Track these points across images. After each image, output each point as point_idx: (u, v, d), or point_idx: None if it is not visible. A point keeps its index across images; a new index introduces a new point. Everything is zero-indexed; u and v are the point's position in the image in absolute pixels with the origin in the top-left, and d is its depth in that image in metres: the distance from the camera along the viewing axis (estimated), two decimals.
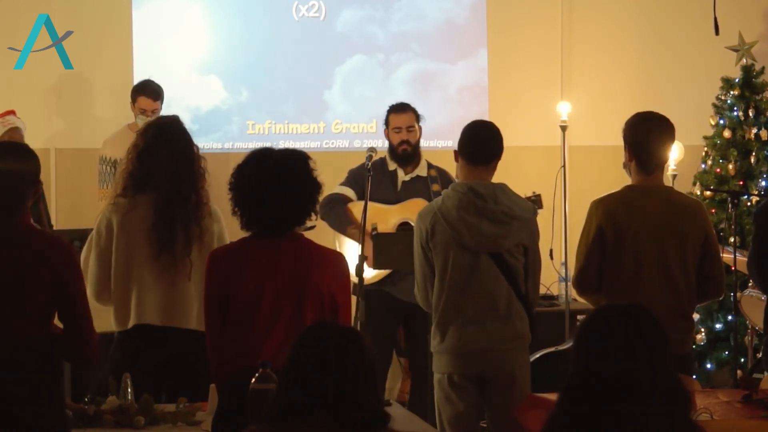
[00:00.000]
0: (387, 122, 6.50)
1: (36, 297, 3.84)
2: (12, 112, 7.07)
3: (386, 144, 7.12)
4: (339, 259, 4.03)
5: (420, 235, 4.85)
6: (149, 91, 7.17)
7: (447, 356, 4.80)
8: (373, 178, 6.29)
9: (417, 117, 6.49)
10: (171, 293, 4.63)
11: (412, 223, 6.19)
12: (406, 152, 6.40)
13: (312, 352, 2.80)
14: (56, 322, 3.98)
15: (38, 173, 3.98)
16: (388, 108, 6.56)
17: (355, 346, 2.83)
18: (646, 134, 4.86)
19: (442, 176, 6.42)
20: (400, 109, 6.52)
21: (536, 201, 6.02)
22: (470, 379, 4.80)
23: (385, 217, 6.28)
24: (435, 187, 6.35)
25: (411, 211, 6.19)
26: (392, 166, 6.44)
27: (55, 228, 7.37)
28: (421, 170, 6.45)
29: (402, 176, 6.41)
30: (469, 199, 4.75)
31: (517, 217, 4.78)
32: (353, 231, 6.21)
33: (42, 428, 3.80)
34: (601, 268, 4.84)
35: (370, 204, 6.19)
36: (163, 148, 4.69)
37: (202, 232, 4.67)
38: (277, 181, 3.86)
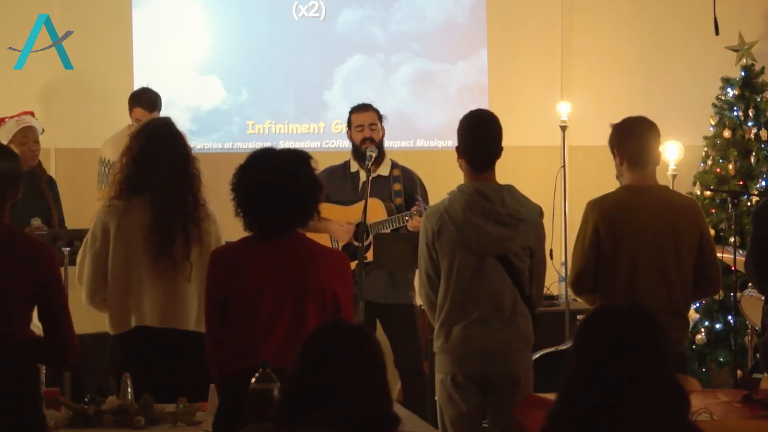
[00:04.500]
0: (349, 123, 6.47)
1: (15, 299, 3.82)
2: (30, 113, 7.02)
3: (386, 144, 7.11)
4: (341, 258, 4.04)
5: (426, 235, 4.83)
6: (145, 102, 7.13)
7: (451, 357, 4.79)
8: (333, 182, 6.27)
9: (379, 116, 6.46)
10: (170, 295, 4.62)
11: (367, 224, 6.21)
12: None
13: (323, 351, 2.79)
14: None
15: (18, 174, 3.95)
16: (349, 110, 6.55)
17: (367, 345, 2.82)
18: (630, 130, 4.91)
19: (406, 175, 6.41)
20: (361, 108, 6.51)
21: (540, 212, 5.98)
22: (473, 380, 4.78)
23: (342, 218, 6.28)
24: (396, 187, 6.35)
25: (367, 211, 6.19)
26: (354, 167, 6.42)
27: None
28: (384, 170, 6.41)
29: (363, 177, 6.35)
30: (476, 201, 4.74)
31: (524, 219, 4.76)
32: (313, 222, 6.22)
33: (19, 429, 3.80)
34: (597, 268, 4.84)
35: (327, 206, 6.20)
36: (157, 151, 4.67)
37: (201, 234, 4.66)
38: (280, 181, 3.86)
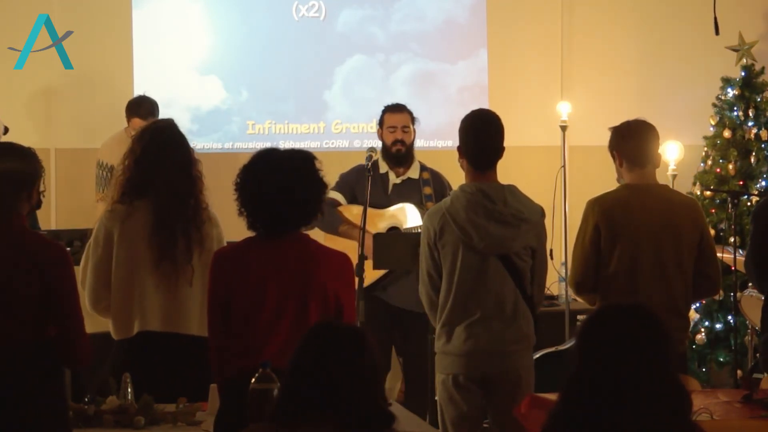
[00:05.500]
0: (381, 122, 6.41)
1: (27, 298, 3.83)
2: None
3: None
4: (344, 259, 4.02)
5: (428, 234, 4.82)
6: (143, 112, 7.12)
7: (452, 357, 4.79)
8: (362, 181, 6.25)
9: (412, 118, 6.41)
10: (172, 299, 4.60)
11: (401, 228, 6.18)
12: (400, 152, 6.33)
13: (317, 351, 2.80)
14: None
15: (35, 174, 3.96)
16: (383, 108, 6.49)
17: (361, 345, 2.82)
18: (629, 131, 4.92)
19: (435, 179, 6.36)
20: (395, 108, 6.44)
21: (542, 212, 6.00)
22: (475, 380, 4.78)
23: (375, 221, 6.23)
24: (427, 190, 6.30)
25: (401, 216, 6.15)
26: (384, 168, 6.38)
27: (55, 228, 7.38)
28: (413, 172, 6.35)
29: (393, 179, 6.33)
30: (478, 201, 4.73)
31: (526, 219, 4.76)
32: (344, 228, 6.16)
33: (41, 430, 3.80)
34: (598, 267, 4.85)
35: (358, 208, 6.17)
36: (159, 153, 4.66)
37: (203, 237, 4.64)
38: (284, 182, 3.85)
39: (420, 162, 6.42)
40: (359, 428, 2.75)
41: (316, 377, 2.76)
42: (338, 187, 6.33)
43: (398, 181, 6.33)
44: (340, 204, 6.28)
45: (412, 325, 6.16)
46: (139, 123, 7.07)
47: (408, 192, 6.28)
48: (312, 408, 2.74)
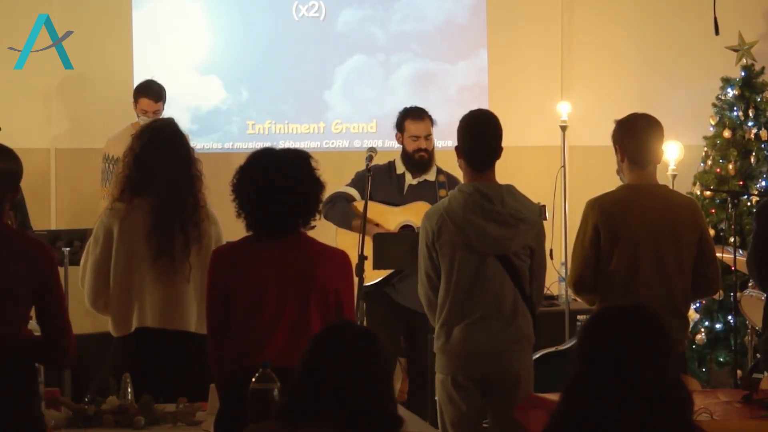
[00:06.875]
0: (401, 127, 6.36)
1: (14, 298, 3.83)
2: None
3: (386, 144, 7.11)
4: (343, 257, 4.02)
5: (426, 235, 4.82)
6: (150, 92, 7.16)
7: (451, 357, 4.79)
8: (379, 182, 6.25)
9: (432, 123, 6.39)
10: (169, 296, 4.61)
11: (415, 226, 6.17)
12: (423, 159, 6.32)
13: (329, 352, 2.79)
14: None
15: (17, 174, 3.95)
16: (403, 112, 6.41)
17: (373, 347, 2.82)
18: (634, 128, 4.89)
19: (451, 182, 6.35)
20: (417, 115, 6.37)
21: (540, 212, 6.00)
22: (474, 381, 4.78)
23: (389, 217, 6.26)
24: (442, 193, 6.28)
25: (414, 213, 6.16)
26: (401, 169, 6.38)
27: (54, 228, 7.38)
28: (430, 175, 6.36)
29: (409, 180, 6.35)
30: (476, 201, 4.73)
31: (524, 219, 4.76)
32: (357, 223, 6.12)
33: (17, 429, 3.80)
34: (597, 267, 4.84)
35: (374, 204, 6.16)
36: (159, 152, 4.67)
37: (201, 235, 4.65)
38: (281, 182, 3.85)
39: (437, 166, 6.42)
40: (366, 430, 2.74)
41: (326, 377, 2.76)
42: (353, 183, 6.35)
43: (414, 182, 6.35)
44: (354, 199, 6.29)
45: (417, 325, 6.17)
46: (147, 103, 7.11)
47: (423, 194, 6.29)
48: (319, 408, 2.74)
